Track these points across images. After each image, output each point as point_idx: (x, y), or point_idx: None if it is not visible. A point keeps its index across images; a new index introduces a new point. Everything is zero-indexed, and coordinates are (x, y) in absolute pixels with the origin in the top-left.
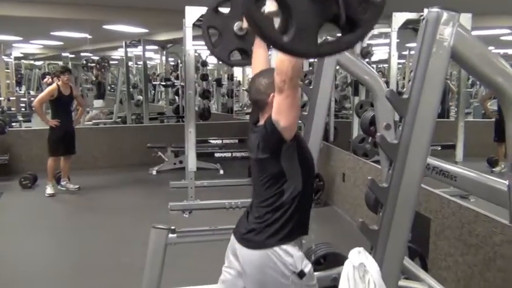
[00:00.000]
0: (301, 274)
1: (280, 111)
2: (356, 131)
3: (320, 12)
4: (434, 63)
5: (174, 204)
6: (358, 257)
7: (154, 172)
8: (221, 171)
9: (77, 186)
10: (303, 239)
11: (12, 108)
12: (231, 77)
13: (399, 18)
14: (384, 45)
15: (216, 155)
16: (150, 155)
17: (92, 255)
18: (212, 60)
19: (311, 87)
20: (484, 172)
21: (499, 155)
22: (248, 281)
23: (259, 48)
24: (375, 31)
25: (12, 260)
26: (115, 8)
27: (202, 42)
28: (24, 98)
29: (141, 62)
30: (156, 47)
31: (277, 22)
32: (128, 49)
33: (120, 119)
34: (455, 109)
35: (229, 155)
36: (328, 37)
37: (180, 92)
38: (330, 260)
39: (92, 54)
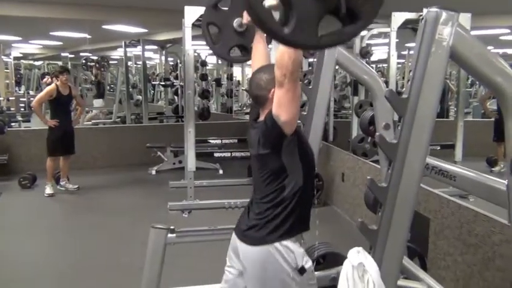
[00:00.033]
0: (301, 270)
1: (281, 105)
2: (355, 131)
3: (320, 3)
4: (433, 63)
5: (173, 204)
6: (357, 256)
7: (153, 172)
8: (220, 171)
9: (76, 186)
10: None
11: (12, 108)
12: (230, 77)
13: (398, 18)
14: (383, 45)
15: (216, 154)
16: (149, 155)
17: (91, 255)
18: (211, 60)
19: (310, 87)
20: (483, 172)
21: (498, 154)
22: (249, 277)
23: (258, 44)
24: (374, 31)
25: (12, 260)
26: (114, 8)
27: (202, 42)
28: (23, 98)
29: (140, 62)
30: (155, 47)
31: (277, 15)
32: (127, 49)
33: (119, 119)
34: (455, 109)
35: (228, 154)
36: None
37: (179, 91)
38: (329, 260)
39: (91, 54)
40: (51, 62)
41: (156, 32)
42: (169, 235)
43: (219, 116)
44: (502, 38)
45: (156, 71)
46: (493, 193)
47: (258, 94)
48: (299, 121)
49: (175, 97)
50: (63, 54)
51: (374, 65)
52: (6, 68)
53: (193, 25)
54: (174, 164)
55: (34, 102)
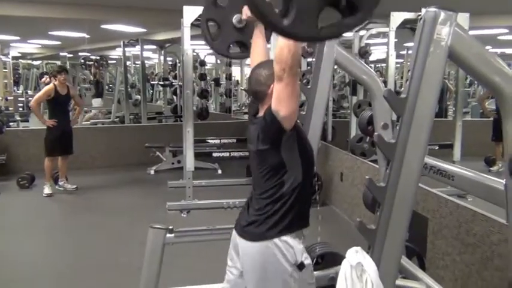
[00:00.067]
0: (300, 266)
1: (280, 100)
2: (354, 131)
3: None
4: (431, 62)
5: (172, 204)
6: (355, 256)
7: (152, 172)
8: (219, 171)
9: (75, 186)
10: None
11: (10, 108)
12: (229, 77)
13: (397, 17)
14: (381, 44)
15: (214, 154)
16: (148, 155)
17: (89, 255)
18: (210, 60)
19: (309, 86)
20: (482, 171)
21: (496, 154)
22: (248, 274)
23: (258, 39)
24: (373, 30)
25: (10, 260)
26: (113, 8)
27: (201, 42)
28: (21, 97)
29: (139, 62)
30: (154, 47)
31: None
32: (126, 49)
33: (118, 119)
34: (453, 108)
35: (227, 154)
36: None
37: (178, 91)
38: (327, 260)
39: (90, 54)
40: (49, 61)
41: (154, 31)
42: (168, 235)
43: (218, 115)
44: (500, 37)
45: (155, 70)
46: (492, 193)
47: (257, 89)
48: (298, 121)
49: (174, 97)
50: (61, 53)
51: (373, 65)
52: (5, 68)
53: (192, 25)
54: (172, 163)
55: (32, 102)
